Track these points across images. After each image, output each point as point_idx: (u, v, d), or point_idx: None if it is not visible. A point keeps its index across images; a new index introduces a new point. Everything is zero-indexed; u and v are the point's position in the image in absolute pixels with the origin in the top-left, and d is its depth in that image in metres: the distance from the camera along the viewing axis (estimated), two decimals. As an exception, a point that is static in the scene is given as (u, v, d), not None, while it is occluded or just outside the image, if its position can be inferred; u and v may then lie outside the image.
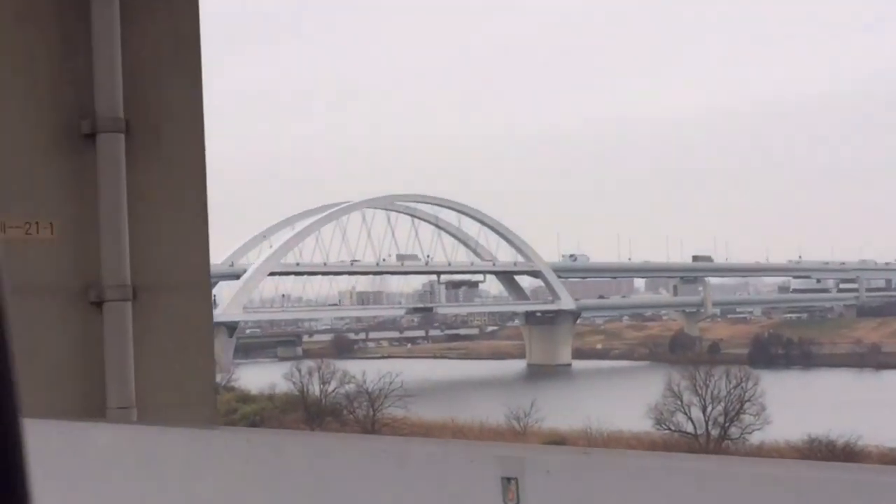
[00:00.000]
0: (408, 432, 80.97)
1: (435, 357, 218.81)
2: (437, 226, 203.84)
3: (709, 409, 78.79)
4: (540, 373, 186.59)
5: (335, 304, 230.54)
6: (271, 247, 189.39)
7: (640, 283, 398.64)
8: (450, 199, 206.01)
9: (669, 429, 78.59)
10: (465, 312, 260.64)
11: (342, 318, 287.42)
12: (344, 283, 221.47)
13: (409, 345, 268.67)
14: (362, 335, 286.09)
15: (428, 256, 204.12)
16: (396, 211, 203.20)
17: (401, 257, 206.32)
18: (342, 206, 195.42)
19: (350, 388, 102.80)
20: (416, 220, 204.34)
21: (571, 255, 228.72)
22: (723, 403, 78.45)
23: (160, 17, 8.71)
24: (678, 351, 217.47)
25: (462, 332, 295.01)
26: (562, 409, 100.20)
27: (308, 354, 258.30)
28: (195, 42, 8.95)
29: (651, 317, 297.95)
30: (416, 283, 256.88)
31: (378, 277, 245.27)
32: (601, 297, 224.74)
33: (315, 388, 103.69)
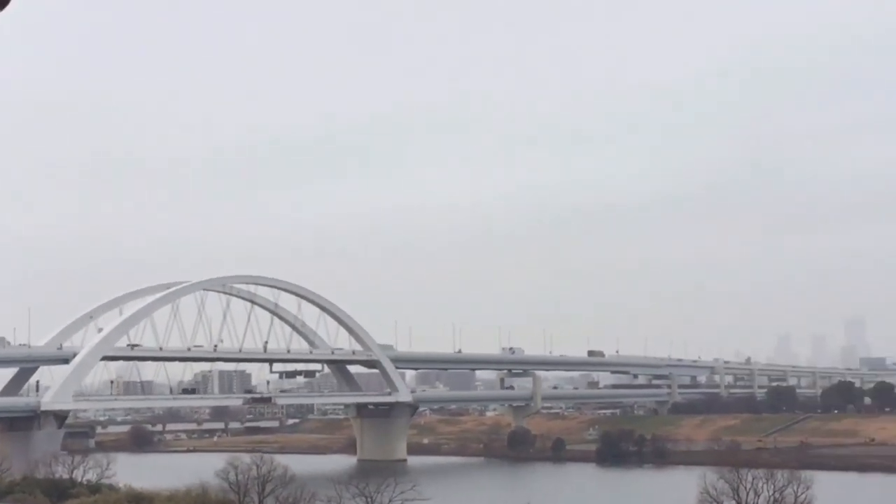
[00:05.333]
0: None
1: (248, 451, 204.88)
2: (274, 313, 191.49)
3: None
4: (381, 469, 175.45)
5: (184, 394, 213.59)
6: (100, 330, 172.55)
7: (409, 375, 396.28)
8: (290, 281, 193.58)
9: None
10: (305, 403, 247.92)
11: (113, 409, 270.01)
12: (101, 372, 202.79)
13: (214, 437, 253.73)
14: (159, 426, 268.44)
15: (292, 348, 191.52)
16: (233, 295, 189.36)
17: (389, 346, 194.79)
18: (177, 287, 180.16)
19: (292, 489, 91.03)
20: (252, 305, 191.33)
21: (510, 348, 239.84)
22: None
23: None
24: (518, 447, 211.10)
25: (262, 424, 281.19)
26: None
27: (102, 447, 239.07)
28: None
29: (457, 411, 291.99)
30: (178, 371, 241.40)
31: (134, 366, 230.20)
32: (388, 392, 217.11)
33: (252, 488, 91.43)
